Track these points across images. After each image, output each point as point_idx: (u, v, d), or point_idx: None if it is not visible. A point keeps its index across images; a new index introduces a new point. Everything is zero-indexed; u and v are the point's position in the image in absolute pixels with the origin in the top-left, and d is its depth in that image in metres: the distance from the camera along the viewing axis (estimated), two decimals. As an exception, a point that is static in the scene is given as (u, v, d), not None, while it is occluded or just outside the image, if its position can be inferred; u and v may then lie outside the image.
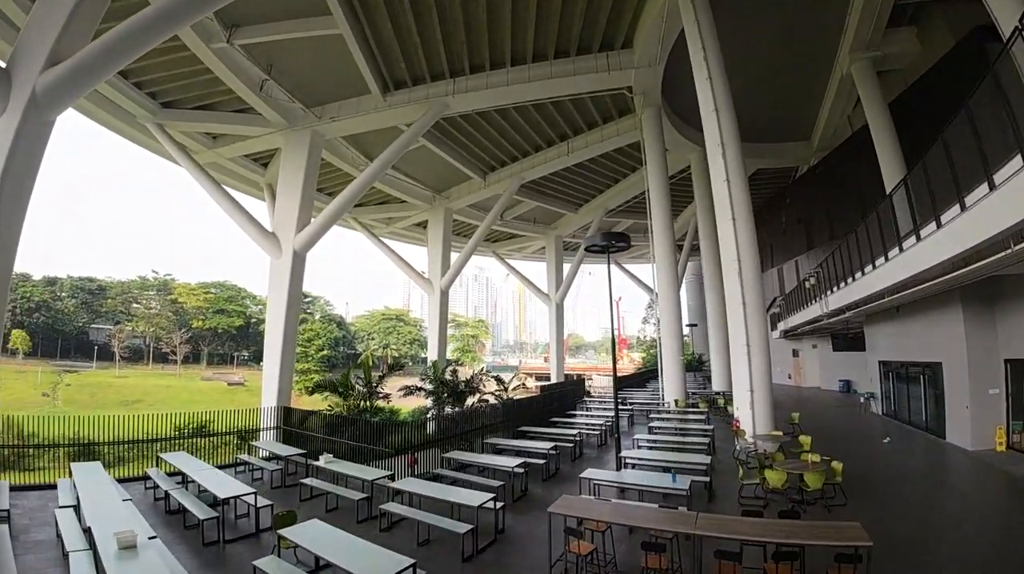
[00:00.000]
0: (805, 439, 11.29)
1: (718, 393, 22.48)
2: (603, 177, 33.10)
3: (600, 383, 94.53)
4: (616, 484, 9.10)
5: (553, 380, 40.66)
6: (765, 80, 23.87)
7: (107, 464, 10.90)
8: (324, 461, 10.19)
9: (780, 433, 11.96)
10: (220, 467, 10.90)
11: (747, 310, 12.78)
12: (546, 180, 32.30)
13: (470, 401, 16.17)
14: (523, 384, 20.68)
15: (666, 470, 9.13)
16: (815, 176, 29.42)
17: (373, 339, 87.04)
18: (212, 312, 76.45)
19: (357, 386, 15.13)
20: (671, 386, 19.93)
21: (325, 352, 72.76)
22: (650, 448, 11.97)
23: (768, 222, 36.62)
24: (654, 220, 22.20)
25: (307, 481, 9.95)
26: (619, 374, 60.72)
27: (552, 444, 11.54)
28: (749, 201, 13.71)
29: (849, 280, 15.76)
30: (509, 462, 10.03)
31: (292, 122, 20.41)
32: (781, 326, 29.02)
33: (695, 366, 51.49)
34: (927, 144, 9.22)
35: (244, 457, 12.34)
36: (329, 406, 14.61)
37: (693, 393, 21.76)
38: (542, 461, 10.77)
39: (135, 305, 76.04)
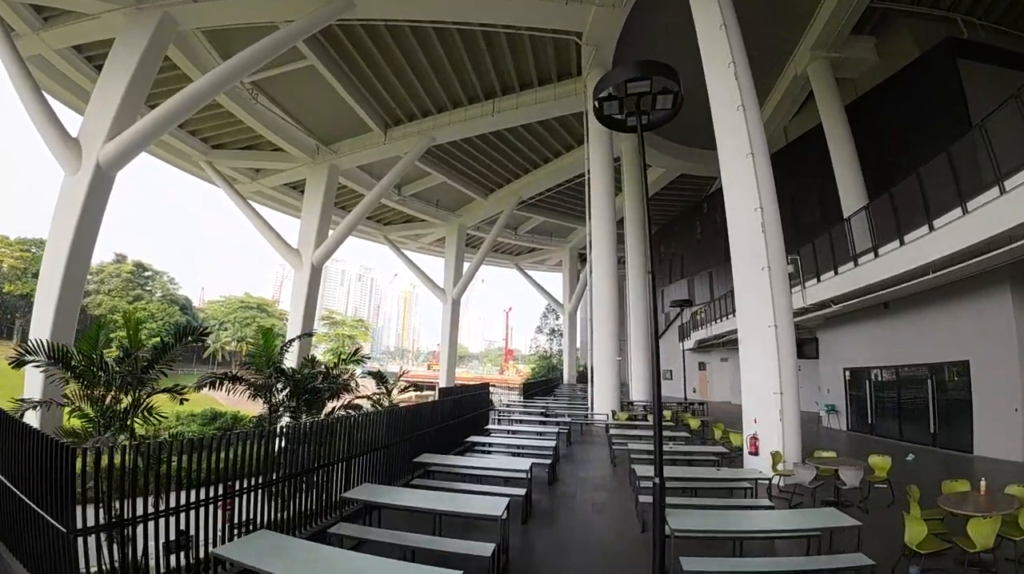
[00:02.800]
0: (880, 462, 7.72)
1: (682, 404, 18.97)
2: (523, 157, 29.27)
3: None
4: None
5: (442, 385, 35.59)
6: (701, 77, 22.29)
7: None
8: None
9: (833, 454, 8.43)
10: None
11: (772, 277, 9.28)
12: (458, 149, 27.65)
13: (333, 406, 10.20)
14: (414, 385, 15.44)
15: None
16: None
17: (226, 330, 73.95)
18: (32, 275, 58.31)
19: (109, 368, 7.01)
20: (604, 395, 16.16)
21: (158, 339, 59.26)
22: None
23: (679, 234, 35.73)
24: (594, 205, 18.57)
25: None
26: (508, 385, 56.99)
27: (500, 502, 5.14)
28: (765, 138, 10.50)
29: (836, 271, 13.45)
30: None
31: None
32: (698, 335, 27.30)
33: (586, 377, 50.23)
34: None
35: None
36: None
37: (632, 403, 18.10)
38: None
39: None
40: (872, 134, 18.97)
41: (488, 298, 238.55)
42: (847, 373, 16.65)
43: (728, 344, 25.45)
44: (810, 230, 22.63)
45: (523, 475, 6.85)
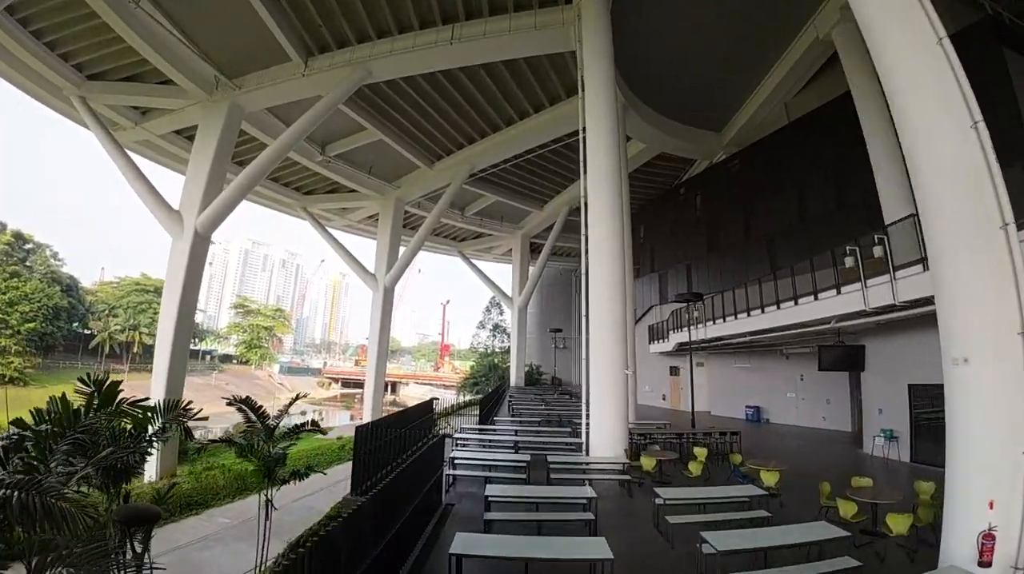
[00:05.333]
0: None
1: (709, 433, 13.68)
2: (482, 115, 24.05)
3: (418, 393, 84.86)
4: None
5: (370, 386, 29.65)
6: (710, 38, 19.10)
7: None
8: None
9: None
10: None
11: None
12: (401, 97, 22.07)
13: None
14: (314, 423, 9.32)
15: None
16: (727, 171, 25.19)
17: (116, 316, 62.55)
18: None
19: None
20: (608, 428, 11.22)
21: (34, 325, 48.19)
22: None
23: (650, 223, 32.11)
24: (591, 155, 13.71)
25: None
26: (443, 383, 52.32)
27: None
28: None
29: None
30: None
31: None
32: (676, 337, 23.53)
33: (533, 379, 45.77)
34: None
35: None
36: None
37: (646, 438, 12.85)
38: None
39: None
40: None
41: (424, 289, 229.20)
42: (912, 391, 13.09)
43: (722, 348, 21.89)
44: (824, 220, 19.63)
45: None
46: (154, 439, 6.63)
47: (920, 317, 11.92)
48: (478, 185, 31.32)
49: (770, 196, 22.33)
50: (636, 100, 21.59)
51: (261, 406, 8.05)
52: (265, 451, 7.57)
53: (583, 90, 13.97)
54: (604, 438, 10.91)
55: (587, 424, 11.32)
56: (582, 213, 12.73)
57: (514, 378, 39.46)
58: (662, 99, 22.39)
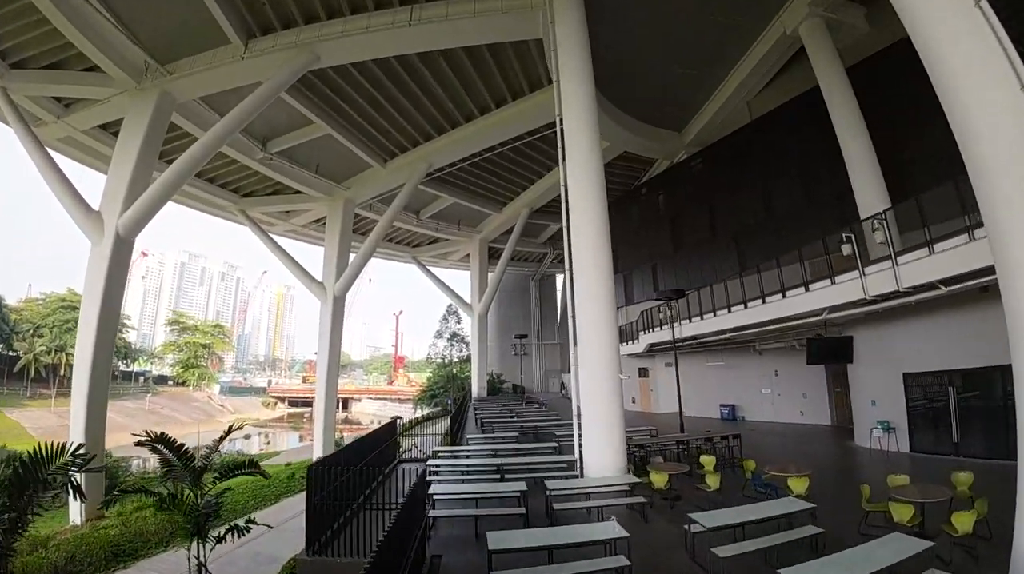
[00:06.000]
0: None
1: (710, 438, 12.66)
2: (440, 109, 22.57)
3: (372, 408, 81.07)
4: None
5: (320, 404, 27.08)
6: (674, 33, 18.71)
7: None
8: None
9: None
10: None
11: None
12: (351, 85, 20.25)
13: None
14: (252, 463, 7.61)
15: None
16: (689, 170, 24.94)
17: (42, 336, 55.97)
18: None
19: None
20: (605, 443, 9.63)
21: None
22: None
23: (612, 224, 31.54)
24: (570, 139, 12.52)
25: None
26: (398, 397, 49.86)
27: None
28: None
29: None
30: None
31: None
32: (647, 337, 22.83)
33: (495, 387, 44.19)
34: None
35: None
36: None
37: (647, 451, 11.49)
38: None
39: None
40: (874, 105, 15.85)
41: (374, 300, 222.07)
42: (907, 380, 12.68)
43: (694, 347, 21.25)
44: (792, 215, 19.42)
45: None
46: (32, 500, 4.77)
47: (916, 304, 11.54)
48: (434, 186, 29.72)
49: (735, 194, 22.15)
50: (600, 96, 20.77)
51: (182, 445, 6.19)
52: (191, 501, 5.75)
53: (558, 72, 12.84)
54: (601, 454, 9.58)
55: (579, 439, 10.00)
56: (563, 202, 11.55)
57: (476, 388, 37.76)
58: (624, 96, 21.74)
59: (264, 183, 27.73)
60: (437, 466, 10.36)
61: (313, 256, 32.01)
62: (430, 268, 43.03)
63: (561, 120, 12.44)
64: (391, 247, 39.64)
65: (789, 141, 20.03)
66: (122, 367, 73.61)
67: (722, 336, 17.20)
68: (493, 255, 39.81)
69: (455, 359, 52.06)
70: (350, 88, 20.22)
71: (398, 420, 15.41)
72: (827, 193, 18.19)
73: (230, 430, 7.77)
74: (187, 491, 5.91)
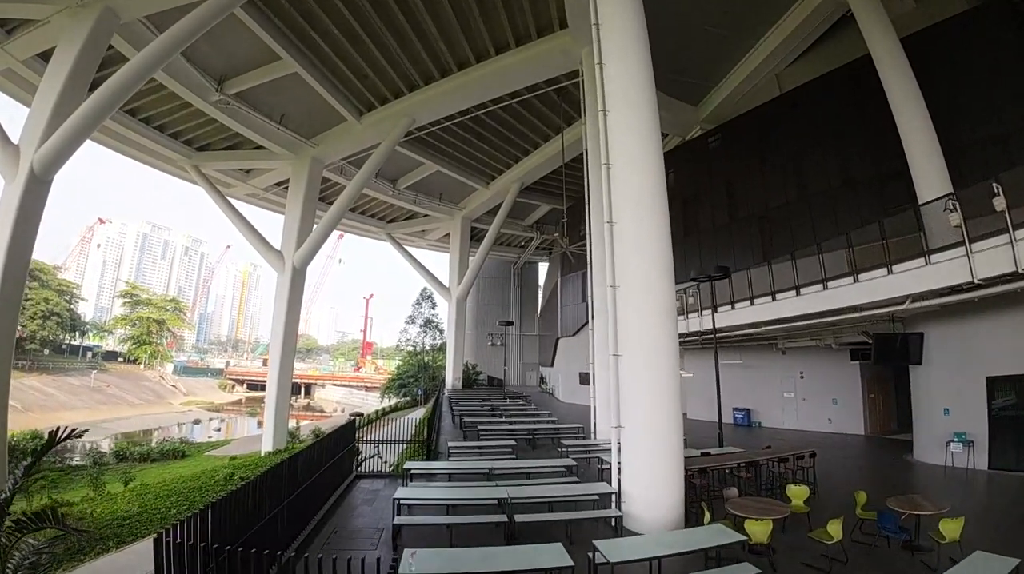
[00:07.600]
0: None
1: (784, 459, 9.24)
2: (431, 52, 19.37)
3: (336, 396, 76.92)
4: None
5: (272, 388, 23.41)
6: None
7: None
8: None
9: None
10: None
11: None
12: (327, 9, 16.82)
13: None
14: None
15: None
16: (705, 147, 22.45)
17: None
18: None
19: None
20: (663, 462, 6.89)
21: None
22: None
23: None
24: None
25: None
26: (365, 385, 46.04)
27: None
28: None
29: None
30: None
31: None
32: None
33: (470, 379, 41.24)
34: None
35: None
36: None
37: (703, 475, 8.35)
38: None
39: None
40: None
41: (345, 282, 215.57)
42: (991, 385, 10.34)
43: (707, 344, 18.77)
44: (827, 196, 17.16)
45: None
46: None
47: (1007, 295, 9.23)
48: (416, 149, 26.47)
49: (761, 174, 19.73)
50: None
51: None
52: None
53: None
54: (654, 487, 6.67)
55: (619, 464, 7.12)
56: (601, 134, 8.66)
57: (451, 379, 34.70)
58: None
59: (221, 134, 23.88)
60: (407, 499, 7.27)
61: (276, 226, 28.28)
62: (406, 247, 39.61)
63: (600, 49, 9.57)
64: (364, 221, 36.10)
65: (826, 117, 17.72)
66: (69, 341, 67.95)
67: (746, 331, 14.66)
68: (475, 238, 36.77)
69: (427, 347, 48.78)
70: (324, 14, 16.81)
71: (356, 419, 12.15)
72: (870, 174, 15.97)
73: (53, 441, 4.64)
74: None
